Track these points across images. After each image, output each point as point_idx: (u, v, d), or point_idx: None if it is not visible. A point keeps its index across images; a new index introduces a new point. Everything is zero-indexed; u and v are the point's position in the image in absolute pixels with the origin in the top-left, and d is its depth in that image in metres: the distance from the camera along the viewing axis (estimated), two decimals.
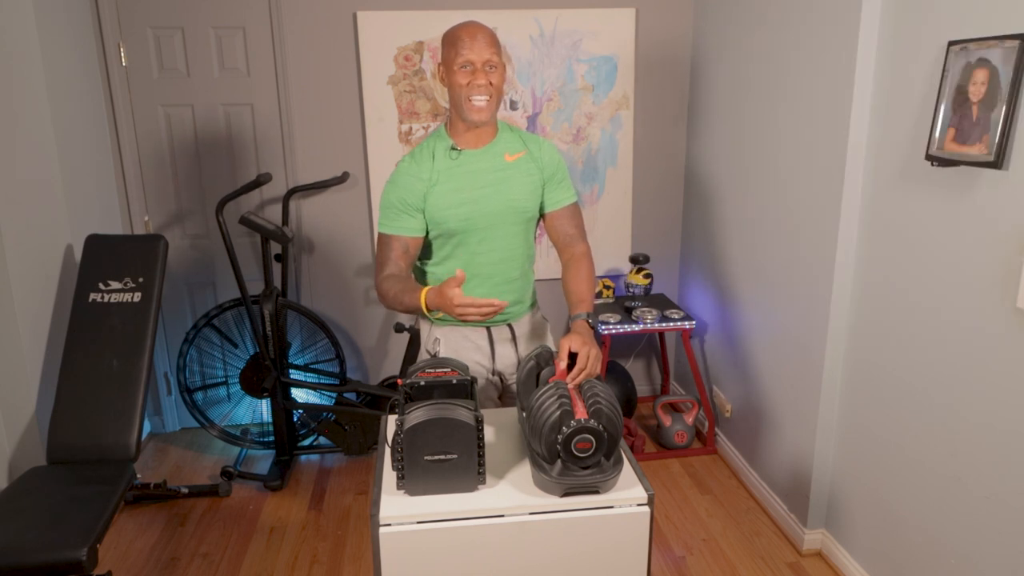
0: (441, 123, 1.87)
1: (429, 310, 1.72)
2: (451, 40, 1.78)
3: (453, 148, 1.86)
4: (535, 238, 2.04)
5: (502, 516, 1.45)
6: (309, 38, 3.27)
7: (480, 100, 1.77)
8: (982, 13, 1.78)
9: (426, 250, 1.96)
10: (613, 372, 3.53)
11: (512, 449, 1.69)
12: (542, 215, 2.00)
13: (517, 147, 1.92)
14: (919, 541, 2.11)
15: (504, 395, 2.11)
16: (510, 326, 2.02)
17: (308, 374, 3.54)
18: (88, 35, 3.09)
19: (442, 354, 2.00)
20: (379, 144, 3.40)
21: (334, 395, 3.34)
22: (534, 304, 2.10)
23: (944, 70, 1.87)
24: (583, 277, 1.87)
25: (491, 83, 1.77)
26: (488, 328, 2.00)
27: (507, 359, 2.03)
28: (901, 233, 2.12)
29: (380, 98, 3.35)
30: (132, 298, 2.59)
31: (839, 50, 2.28)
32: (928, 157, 1.93)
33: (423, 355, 2.06)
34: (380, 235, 1.89)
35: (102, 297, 2.59)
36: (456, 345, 1.99)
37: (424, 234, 1.90)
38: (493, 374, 2.04)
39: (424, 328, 2.04)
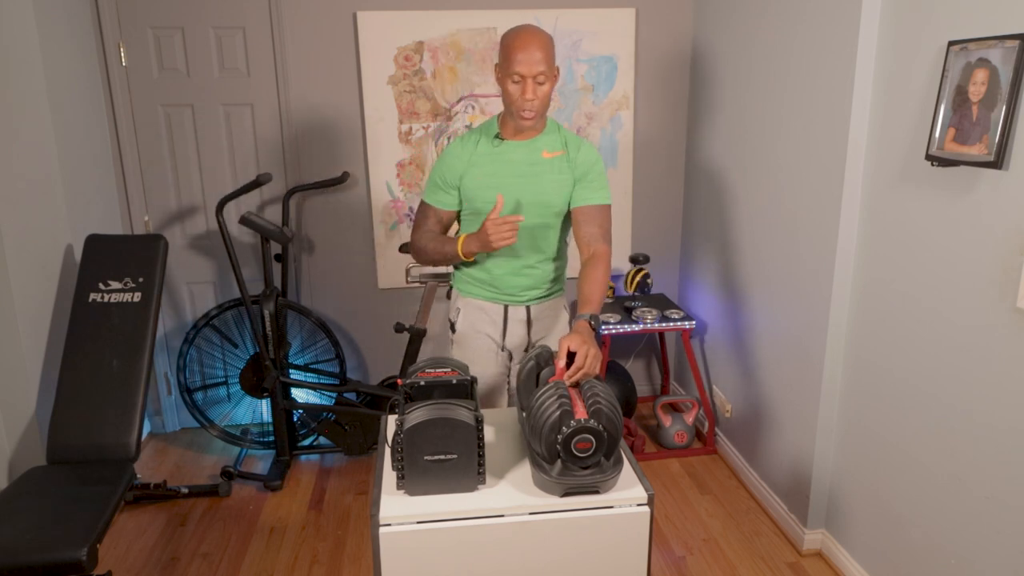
0: (495, 115, 2.06)
1: (465, 256, 1.95)
2: (506, 47, 1.86)
3: (497, 136, 2.00)
4: (566, 235, 2.13)
5: (502, 516, 1.45)
6: (309, 38, 3.27)
7: (528, 112, 1.89)
8: (982, 13, 1.78)
9: (456, 223, 2.13)
10: (613, 372, 3.53)
11: (512, 449, 1.69)
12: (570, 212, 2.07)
13: (557, 146, 2.01)
14: (919, 541, 2.11)
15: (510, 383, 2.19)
16: (527, 308, 2.11)
17: (308, 374, 3.54)
18: (88, 35, 3.09)
19: (460, 323, 2.14)
20: (379, 144, 3.40)
21: (334, 395, 3.34)
22: (555, 294, 2.17)
23: (944, 70, 1.87)
24: (595, 279, 1.90)
25: (539, 96, 1.87)
26: (506, 307, 2.10)
27: (518, 338, 2.14)
28: (901, 233, 2.12)
29: (380, 98, 3.35)
30: (132, 298, 2.59)
31: (839, 50, 2.28)
32: (928, 157, 1.93)
33: (446, 322, 2.24)
34: (421, 202, 2.10)
35: (102, 297, 2.59)
36: (473, 317, 2.12)
37: (457, 209, 2.06)
38: (503, 350, 2.15)
39: (453, 296, 2.20)
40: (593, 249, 1.97)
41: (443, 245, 2.01)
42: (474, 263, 2.07)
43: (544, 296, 2.12)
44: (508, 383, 2.21)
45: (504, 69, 1.87)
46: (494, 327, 2.12)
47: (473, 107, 3.42)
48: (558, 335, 2.16)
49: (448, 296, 2.34)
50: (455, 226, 2.14)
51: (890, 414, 2.21)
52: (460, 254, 1.95)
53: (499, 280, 2.06)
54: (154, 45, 3.20)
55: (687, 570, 2.55)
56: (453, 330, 2.17)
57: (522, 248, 2.03)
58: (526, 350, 2.15)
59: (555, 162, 1.99)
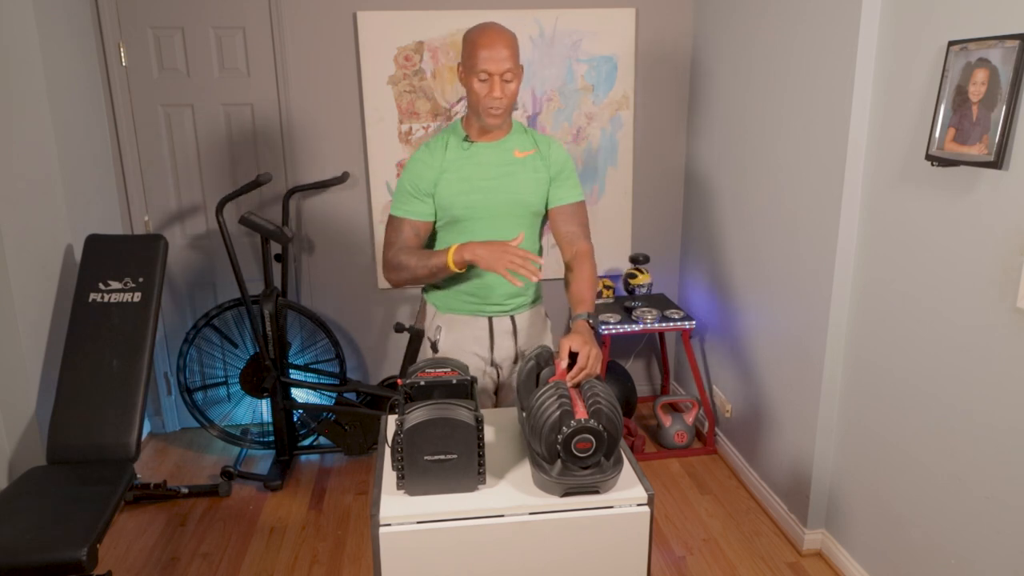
0: (458, 118, 1.99)
1: (456, 265, 1.81)
2: (471, 45, 1.82)
3: (465, 139, 1.95)
4: (541, 235, 2.07)
5: (502, 516, 1.45)
6: (309, 38, 3.27)
7: (496, 110, 1.85)
8: (982, 13, 1.78)
9: (432, 237, 2.03)
10: (613, 372, 3.53)
11: (512, 449, 1.69)
12: (547, 212, 2.03)
13: (528, 146, 1.98)
14: (919, 541, 2.11)
15: (500, 391, 2.12)
16: (512, 318, 2.05)
17: (308, 374, 3.54)
18: (88, 35, 3.09)
19: (442, 342, 2.04)
20: (379, 144, 3.40)
21: (334, 395, 3.34)
22: (537, 300, 2.12)
23: (944, 70, 1.87)
24: (584, 277, 1.89)
25: (506, 94, 1.84)
26: (490, 319, 2.03)
27: (505, 351, 2.07)
28: (901, 233, 2.12)
29: (380, 98, 3.35)
30: (132, 298, 2.59)
31: (839, 50, 2.28)
32: (928, 157, 1.93)
33: (425, 343, 2.10)
34: (391, 217, 1.97)
35: (102, 297, 2.59)
36: (456, 334, 2.03)
37: (433, 219, 1.97)
38: (491, 365, 2.08)
39: (429, 314, 2.09)
40: (576, 248, 1.95)
41: (428, 258, 1.88)
42: (458, 275, 1.96)
43: (530, 303, 2.07)
44: (496, 395, 2.14)
45: (469, 68, 1.83)
46: (480, 344, 2.04)
47: None
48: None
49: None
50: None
51: (890, 414, 2.21)
52: (450, 263, 1.83)
53: (485, 288, 1.98)
54: (154, 45, 3.20)
55: (687, 570, 2.55)
56: (435, 349, 2.06)
57: None
58: (515, 362, 2.09)
59: (528, 161, 1.96)
